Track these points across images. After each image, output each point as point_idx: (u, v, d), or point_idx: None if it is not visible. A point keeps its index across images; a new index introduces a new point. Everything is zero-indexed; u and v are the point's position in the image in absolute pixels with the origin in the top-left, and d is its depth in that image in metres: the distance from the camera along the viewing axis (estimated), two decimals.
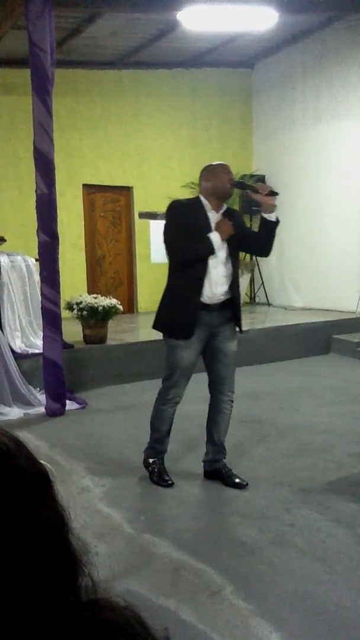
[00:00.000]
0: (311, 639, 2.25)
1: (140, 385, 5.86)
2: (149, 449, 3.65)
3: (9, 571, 0.61)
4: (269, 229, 3.38)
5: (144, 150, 9.03)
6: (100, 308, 5.97)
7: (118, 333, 6.73)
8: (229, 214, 3.40)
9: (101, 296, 6.18)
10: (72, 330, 6.13)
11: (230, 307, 3.43)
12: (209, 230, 3.29)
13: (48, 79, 4.94)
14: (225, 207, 3.42)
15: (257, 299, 9.84)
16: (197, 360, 3.47)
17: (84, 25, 6.96)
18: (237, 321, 3.49)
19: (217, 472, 3.60)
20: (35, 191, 5.05)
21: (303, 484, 3.58)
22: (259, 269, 9.63)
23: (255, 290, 9.87)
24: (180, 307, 3.36)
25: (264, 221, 3.39)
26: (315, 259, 8.91)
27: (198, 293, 3.30)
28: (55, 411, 5.07)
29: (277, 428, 4.67)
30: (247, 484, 3.53)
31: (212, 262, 3.30)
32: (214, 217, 3.35)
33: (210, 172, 3.38)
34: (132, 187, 8.95)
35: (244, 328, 6.86)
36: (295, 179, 9.14)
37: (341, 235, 8.49)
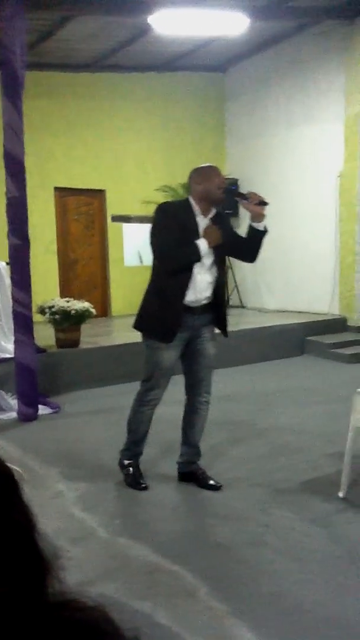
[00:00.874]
0: (286, 638, 2.25)
1: (114, 389, 5.82)
2: (125, 450, 3.62)
3: None
4: (257, 238, 3.37)
5: (117, 153, 9.02)
6: (73, 312, 5.92)
7: (92, 337, 6.68)
8: (218, 219, 3.34)
9: (74, 300, 6.13)
10: (45, 335, 6.07)
11: (213, 310, 3.42)
12: (197, 236, 3.23)
13: (18, 81, 4.90)
14: (214, 211, 3.34)
15: (231, 302, 9.87)
16: (176, 362, 3.44)
17: (57, 27, 6.93)
18: (220, 324, 3.48)
19: (192, 474, 3.59)
20: (5, 194, 4.99)
21: (279, 485, 3.59)
22: (232, 272, 9.67)
23: (229, 293, 9.90)
24: (164, 310, 3.32)
25: (252, 230, 3.36)
26: (288, 262, 8.99)
27: (182, 297, 3.27)
28: (28, 416, 5.01)
29: (253, 429, 4.68)
30: (221, 486, 3.52)
31: (197, 268, 3.26)
32: (202, 222, 3.29)
33: (201, 174, 3.29)
34: (105, 191, 8.93)
35: (217, 331, 6.88)
36: (268, 183, 9.21)
37: (313, 238, 8.58)
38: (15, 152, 4.88)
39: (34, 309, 5.32)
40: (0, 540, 0.63)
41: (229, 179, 9.47)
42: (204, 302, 3.35)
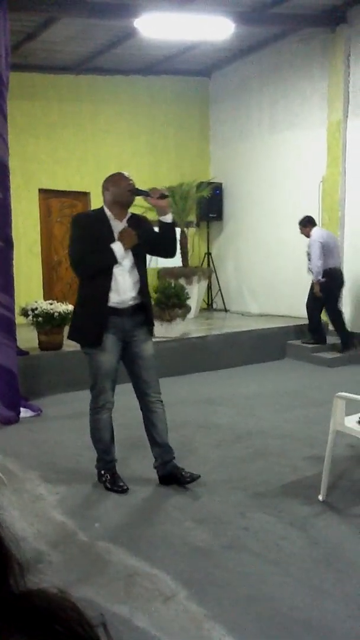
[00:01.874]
0: None
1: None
2: (98, 461, 3.69)
3: None
4: (167, 230, 3.50)
5: (101, 156, 9.01)
6: (56, 314, 5.91)
7: None
8: (135, 221, 3.48)
9: (57, 302, 6.12)
10: (28, 337, 6.05)
11: (142, 311, 3.51)
12: (112, 240, 3.37)
13: (3, 83, 4.89)
14: (130, 214, 3.49)
15: (214, 305, 9.92)
16: (118, 365, 3.53)
17: (41, 29, 6.92)
18: (148, 324, 3.57)
19: (171, 475, 3.64)
20: None
21: (258, 488, 3.62)
22: (216, 275, 9.72)
23: (213, 297, 9.95)
24: (89, 315, 3.44)
25: (161, 224, 3.49)
26: (270, 266, 9.05)
27: (105, 300, 3.38)
28: (9, 419, 4.98)
29: (233, 433, 4.70)
30: (199, 476, 3.62)
31: (118, 270, 3.39)
32: (117, 226, 3.42)
33: (109, 181, 3.46)
34: (89, 193, 8.92)
35: (201, 334, 6.92)
36: (252, 187, 9.28)
37: (296, 242, 8.63)
38: (0, 154, 4.86)
39: (17, 311, 5.30)
40: None
41: (213, 182, 9.53)
42: (131, 302, 3.45)
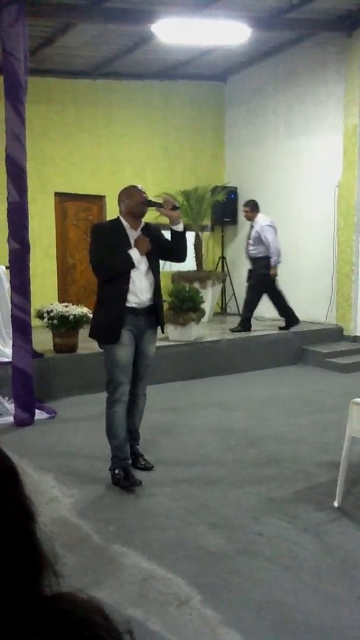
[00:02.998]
0: None
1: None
2: (112, 459, 3.81)
3: None
4: (178, 238, 3.79)
5: (116, 160, 9.05)
6: (71, 317, 5.94)
7: (89, 342, 6.66)
8: (147, 230, 3.78)
9: (72, 305, 6.15)
10: (43, 339, 6.08)
11: (154, 312, 3.81)
12: (129, 247, 3.67)
13: (21, 87, 4.94)
14: (143, 223, 3.79)
15: (228, 310, 9.91)
16: (132, 360, 3.77)
17: (58, 34, 6.97)
18: (159, 323, 3.87)
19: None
20: (7, 199, 5.02)
21: (271, 493, 3.61)
22: (230, 279, 9.71)
23: (227, 301, 9.94)
24: (110, 314, 3.71)
25: (172, 232, 3.78)
26: (286, 271, 9.01)
27: (124, 301, 3.67)
28: (24, 421, 5.02)
29: (247, 437, 4.70)
30: (152, 467, 3.97)
31: (135, 273, 3.68)
32: (133, 234, 3.73)
33: (124, 194, 3.77)
34: (104, 197, 8.96)
35: (215, 338, 6.98)
36: (266, 192, 9.27)
37: (311, 247, 8.63)
38: (17, 157, 4.91)
39: (33, 313, 5.34)
40: None
41: (227, 187, 9.54)
42: (148, 303, 3.75)
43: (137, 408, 3.99)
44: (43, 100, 8.23)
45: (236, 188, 9.68)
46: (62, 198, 8.78)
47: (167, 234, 3.91)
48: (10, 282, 5.16)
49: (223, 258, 9.79)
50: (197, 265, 9.24)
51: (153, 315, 3.80)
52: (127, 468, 3.77)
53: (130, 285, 3.66)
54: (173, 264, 10.04)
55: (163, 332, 3.95)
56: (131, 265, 3.65)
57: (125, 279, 3.65)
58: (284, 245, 9.01)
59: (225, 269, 9.72)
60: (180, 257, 3.87)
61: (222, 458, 4.26)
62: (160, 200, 3.79)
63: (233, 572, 2.76)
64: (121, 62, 8.25)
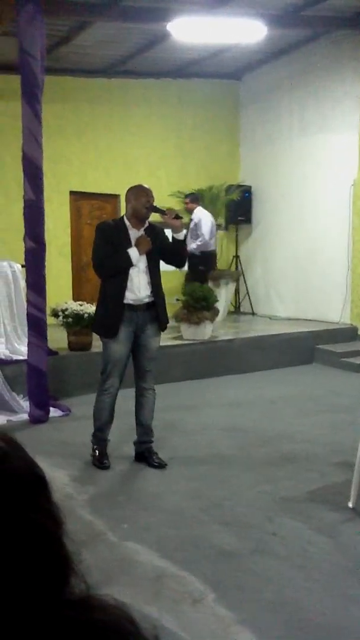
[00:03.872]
0: None
1: (125, 393, 5.81)
2: (92, 436, 4.11)
3: (1, 574, 0.62)
4: (178, 246, 3.95)
5: (131, 158, 9.07)
6: (86, 315, 5.96)
7: None
8: (151, 230, 3.93)
9: (86, 303, 6.18)
10: (57, 337, 6.11)
11: (154, 308, 3.95)
12: (130, 246, 3.83)
13: (38, 86, 4.97)
14: (147, 224, 3.94)
15: (241, 309, 9.90)
16: (128, 355, 3.98)
17: (74, 33, 6.99)
18: (159, 320, 3.99)
19: (143, 455, 4.06)
20: (23, 197, 5.05)
21: (285, 493, 3.61)
22: (244, 278, 9.70)
23: (240, 300, 9.93)
24: (108, 310, 3.94)
25: (174, 240, 3.93)
26: (300, 270, 9.00)
27: (122, 297, 3.85)
28: (38, 418, 5.05)
29: (260, 437, 4.69)
30: (166, 465, 3.99)
31: (134, 271, 3.85)
32: (135, 234, 3.88)
33: (131, 194, 3.92)
34: (118, 195, 8.97)
35: (228, 337, 7.03)
36: (281, 190, 9.24)
37: (326, 246, 8.59)
38: (34, 156, 4.94)
39: (47, 311, 5.37)
40: (27, 542, 0.66)
41: (243, 186, 9.52)
42: (146, 300, 3.91)
43: (147, 402, 4.07)
44: (58, 99, 8.25)
45: (250, 187, 9.66)
46: (76, 197, 8.82)
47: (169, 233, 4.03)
48: (26, 280, 5.20)
49: (237, 257, 9.77)
50: None
51: (153, 311, 3.95)
52: (103, 447, 4.05)
53: (128, 283, 3.84)
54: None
55: (163, 330, 4.06)
56: (129, 263, 3.81)
57: (124, 276, 3.83)
58: (298, 245, 8.99)
59: (239, 268, 9.70)
60: (179, 263, 4.12)
61: (235, 457, 4.26)
62: (164, 209, 3.92)
63: (246, 571, 2.76)
64: (136, 61, 8.26)
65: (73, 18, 6.53)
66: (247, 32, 7.05)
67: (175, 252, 3.99)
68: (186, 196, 8.26)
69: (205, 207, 9.02)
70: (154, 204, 3.92)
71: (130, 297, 3.86)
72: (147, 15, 6.53)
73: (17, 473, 0.68)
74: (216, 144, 9.83)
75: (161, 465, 3.99)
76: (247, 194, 9.60)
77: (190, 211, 8.01)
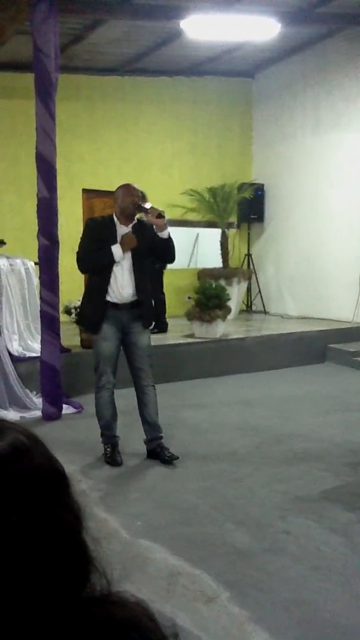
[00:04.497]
0: None
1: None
2: (101, 436, 4.14)
3: (24, 570, 0.63)
4: (163, 244, 3.96)
5: (143, 156, 9.07)
6: None
7: None
8: (139, 227, 4.00)
9: None
10: (70, 335, 6.13)
11: (139, 306, 3.98)
12: (115, 242, 3.87)
13: (51, 84, 4.98)
14: (136, 220, 4.01)
15: (253, 307, 9.87)
16: (117, 352, 4.04)
17: (87, 31, 7.00)
18: (144, 318, 4.03)
19: (155, 452, 4.08)
20: (37, 195, 5.07)
21: (298, 492, 3.60)
22: (256, 277, 9.67)
23: (252, 299, 9.90)
24: (90, 306, 4.06)
25: (158, 239, 3.95)
26: (312, 268, 8.96)
27: (104, 294, 3.90)
28: (51, 415, 5.07)
29: (272, 435, 4.68)
30: (177, 457, 4.01)
31: (117, 269, 3.89)
32: (122, 231, 3.93)
33: (118, 192, 3.99)
34: None
35: (240, 336, 7.06)
36: (294, 189, 9.20)
37: (338, 245, 8.54)
38: (47, 154, 4.96)
39: (60, 309, 5.39)
40: (49, 537, 0.66)
41: (254, 183, 9.49)
42: (130, 299, 3.94)
43: (148, 399, 4.09)
44: (71, 97, 8.27)
45: (263, 185, 9.63)
46: (89, 195, 8.83)
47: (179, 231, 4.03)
48: (40, 277, 5.21)
49: (249, 255, 9.75)
50: (223, 262, 9.22)
51: (138, 309, 3.99)
52: (115, 444, 4.08)
53: (112, 281, 3.89)
54: (198, 259, 9.99)
55: (146, 328, 4.07)
56: (111, 260, 3.85)
57: (107, 274, 3.88)
58: (310, 243, 8.95)
59: (251, 267, 9.68)
60: (166, 260, 4.20)
61: (247, 456, 4.25)
62: (147, 207, 3.93)
63: (260, 570, 2.76)
64: (149, 59, 8.25)
65: (87, 16, 6.53)
66: (261, 29, 7.02)
67: (163, 250, 4.02)
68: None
69: (218, 205, 9.01)
70: (141, 202, 3.99)
71: (114, 296, 3.92)
72: (160, 13, 6.52)
73: (39, 468, 0.68)
74: (229, 142, 9.81)
75: (173, 459, 4.02)
76: (259, 192, 9.57)
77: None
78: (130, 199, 3.92)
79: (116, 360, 4.06)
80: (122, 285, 3.91)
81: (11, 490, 0.63)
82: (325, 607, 2.47)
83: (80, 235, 4.07)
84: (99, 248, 3.88)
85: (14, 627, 0.61)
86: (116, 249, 3.86)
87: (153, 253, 4.04)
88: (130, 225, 3.96)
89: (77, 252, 4.01)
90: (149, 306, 4.08)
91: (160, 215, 3.86)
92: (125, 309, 3.95)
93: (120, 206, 3.95)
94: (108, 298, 3.91)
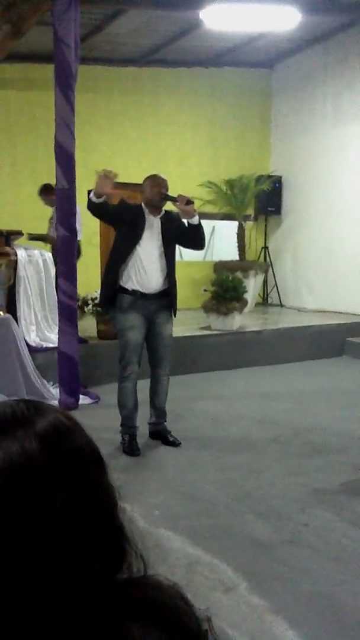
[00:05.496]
0: (326, 638, 2.25)
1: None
2: (121, 426, 4.18)
3: (67, 549, 0.62)
4: (194, 230, 4.03)
5: (161, 148, 9.04)
6: None
7: None
8: (167, 217, 4.05)
9: None
10: (87, 326, 6.15)
11: (167, 295, 4.04)
12: (142, 226, 3.95)
13: (71, 74, 4.97)
14: (164, 212, 4.06)
15: (270, 300, 9.83)
16: (143, 341, 4.08)
17: (107, 22, 6.98)
18: (172, 308, 4.11)
19: (158, 433, 4.25)
20: (56, 186, 5.07)
21: (318, 485, 3.57)
22: (272, 270, 9.62)
23: (269, 291, 9.86)
24: (114, 291, 4.04)
25: (189, 225, 4.02)
26: (330, 261, 8.89)
27: (130, 286, 3.96)
28: (69, 405, 5.08)
29: (291, 428, 4.66)
30: (180, 443, 4.15)
31: (147, 261, 3.94)
32: (151, 219, 4.00)
33: (146, 183, 4.05)
34: None
35: (257, 329, 7.06)
36: (312, 181, 9.12)
37: (356, 238, 8.46)
38: (67, 145, 4.95)
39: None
40: (91, 517, 0.65)
41: (273, 176, 9.42)
42: (157, 288, 3.99)
43: (161, 387, 4.20)
44: (90, 88, 8.25)
45: (281, 177, 9.56)
46: None
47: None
48: (58, 268, 5.22)
49: (266, 248, 9.70)
50: (239, 255, 9.18)
51: (165, 298, 4.04)
52: (133, 435, 4.11)
53: (142, 273, 3.93)
54: (214, 251, 9.93)
55: (175, 316, 4.17)
56: (90, 204, 3.90)
57: (137, 267, 3.93)
58: (328, 236, 8.87)
59: (268, 259, 9.63)
60: (197, 246, 4.20)
61: (266, 448, 4.24)
62: (175, 195, 3.97)
63: (279, 561, 2.75)
64: (168, 50, 8.22)
65: (107, 6, 6.50)
66: (281, 19, 6.95)
67: (193, 236, 4.08)
68: (41, 192, 6.73)
69: (235, 197, 8.96)
70: (167, 192, 4.01)
71: (143, 286, 3.96)
72: (181, 3, 6.48)
73: (80, 449, 0.68)
74: (247, 133, 9.74)
75: (175, 444, 4.16)
76: (277, 185, 9.50)
77: (51, 203, 6.16)
78: (156, 189, 3.97)
79: (141, 350, 4.10)
80: (151, 274, 3.96)
81: (56, 470, 0.63)
82: (347, 600, 2.46)
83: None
84: (129, 231, 3.94)
85: (53, 604, 0.61)
86: (92, 194, 3.91)
87: (182, 241, 4.13)
88: (159, 216, 4.02)
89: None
90: (175, 295, 4.12)
91: (189, 202, 3.92)
92: (153, 299, 4.00)
93: (147, 197, 4.00)
94: (136, 287, 3.96)
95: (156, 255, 3.98)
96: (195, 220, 4.00)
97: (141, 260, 3.95)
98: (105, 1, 6.18)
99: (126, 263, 3.95)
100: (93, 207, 3.93)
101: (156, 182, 4.00)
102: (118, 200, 4.19)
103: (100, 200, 3.90)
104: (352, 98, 8.51)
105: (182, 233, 4.06)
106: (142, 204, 4.05)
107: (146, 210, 4.01)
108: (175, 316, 4.19)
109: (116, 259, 4.03)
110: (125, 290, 3.98)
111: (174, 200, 3.96)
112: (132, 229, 3.96)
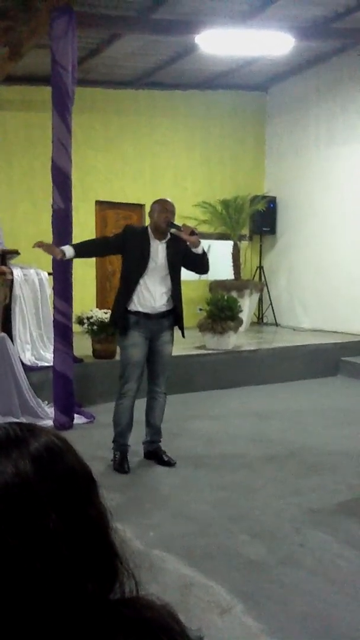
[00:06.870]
0: None
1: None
2: (113, 442, 4.19)
3: (60, 567, 0.63)
4: (198, 259, 4.09)
5: (157, 168, 9.13)
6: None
7: None
8: (173, 241, 4.08)
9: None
10: (82, 345, 6.15)
11: (171, 316, 4.11)
12: (147, 252, 4.00)
13: (68, 97, 5.04)
14: (169, 236, 4.09)
15: (265, 320, 9.86)
16: (144, 360, 4.10)
17: (104, 45, 7.09)
18: (180, 328, 4.19)
19: (153, 453, 4.25)
20: (52, 206, 5.11)
21: (313, 505, 3.57)
22: (267, 289, 9.67)
23: (264, 311, 9.89)
24: (121, 312, 4.10)
25: (193, 254, 4.06)
26: (325, 281, 8.95)
27: (131, 306, 4.02)
28: (63, 424, 5.07)
29: (286, 448, 4.65)
30: (175, 463, 4.16)
31: (151, 281, 4.00)
32: (155, 244, 4.04)
33: (154, 207, 4.08)
34: (144, 205, 9.04)
35: (252, 348, 7.06)
36: (306, 202, 9.22)
37: (350, 257, 8.53)
38: (63, 166, 5.01)
39: (73, 319, 5.40)
40: (82, 536, 0.66)
41: (267, 196, 9.52)
42: (162, 309, 4.06)
43: (158, 404, 4.22)
44: (86, 110, 8.36)
45: (275, 198, 9.66)
46: (102, 206, 8.89)
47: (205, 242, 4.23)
48: (53, 287, 5.24)
49: (261, 267, 9.76)
50: (235, 274, 9.23)
51: (168, 318, 4.09)
52: (124, 452, 4.13)
53: (145, 292, 4.00)
54: (209, 272, 10.00)
55: (184, 336, 4.25)
56: (63, 255, 4.14)
57: (137, 287, 4.00)
58: (323, 256, 8.94)
59: (263, 279, 9.68)
60: (202, 271, 4.26)
61: (261, 467, 4.23)
62: (180, 225, 4.03)
63: (275, 582, 2.73)
64: (164, 73, 8.34)
65: (105, 31, 6.61)
66: (275, 44, 7.07)
67: (198, 264, 4.15)
68: None
69: (230, 217, 9.04)
70: (173, 220, 4.05)
71: (145, 307, 4.02)
72: (177, 28, 6.59)
73: (72, 469, 0.70)
74: (242, 154, 9.86)
75: (170, 463, 4.16)
76: (271, 205, 9.60)
77: None
78: (164, 215, 4.00)
79: (142, 369, 4.13)
80: (154, 296, 4.02)
81: (49, 489, 0.65)
82: (342, 620, 2.44)
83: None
84: (134, 256, 4.03)
85: (47, 622, 0.62)
86: (67, 249, 4.15)
87: (187, 265, 4.15)
88: (164, 241, 4.07)
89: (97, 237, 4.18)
90: (182, 316, 4.17)
91: (193, 233, 3.95)
92: (156, 318, 4.05)
93: (155, 222, 4.04)
94: (139, 309, 4.02)
95: (161, 277, 4.04)
96: (199, 249, 4.03)
97: (146, 285, 4.02)
98: (103, 25, 6.28)
99: (134, 290, 4.03)
100: (78, 258, 4.25)
101: (164, 208, 4.03)
102: (123, 228, 4.27)
103: (70, 255, 4.16)
104: (345, 120, 8.65)
105: (188, 257, 4.09)
106: (148, 228, 4.11)
107: (151, 235, 4.06)
108: (184, 337, 4.25)
109: (125, 287, 4.08)
110: (129, 311, 4.04)
111: (178, 228, 4.00)
112: (138, 256, 4.01)
